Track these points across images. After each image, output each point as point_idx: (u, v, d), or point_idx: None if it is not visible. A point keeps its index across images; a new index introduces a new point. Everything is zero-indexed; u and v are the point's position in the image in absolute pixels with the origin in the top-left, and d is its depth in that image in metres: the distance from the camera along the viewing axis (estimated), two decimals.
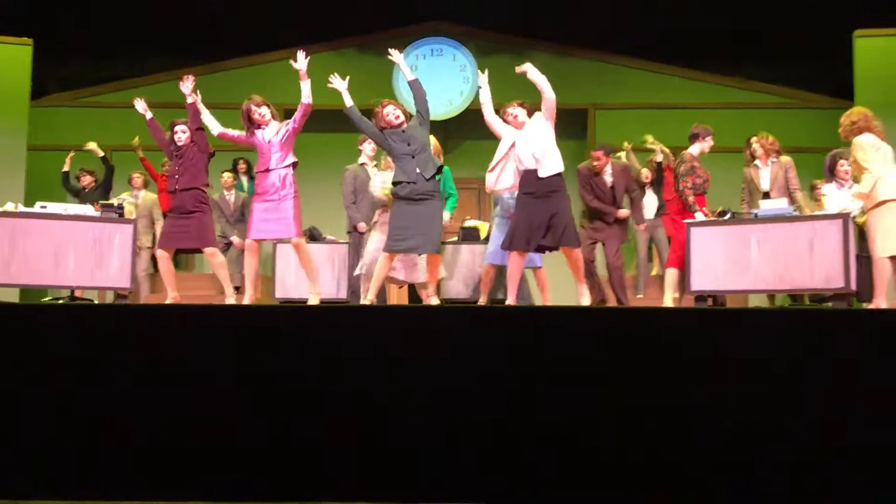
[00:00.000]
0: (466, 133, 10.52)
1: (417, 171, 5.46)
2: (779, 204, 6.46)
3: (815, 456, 3.50)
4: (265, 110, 5.69)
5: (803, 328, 3.64)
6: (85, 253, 6.29)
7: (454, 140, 10.88)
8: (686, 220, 6.52)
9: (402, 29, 10.79)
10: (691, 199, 6.57)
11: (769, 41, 10.49)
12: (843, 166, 6.72)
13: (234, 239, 8.38)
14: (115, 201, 6.82)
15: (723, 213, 6.49)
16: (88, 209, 6.59)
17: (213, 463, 3.70)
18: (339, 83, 5.61)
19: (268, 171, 5.61)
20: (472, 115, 9.90)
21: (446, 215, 6.43)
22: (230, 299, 5.92)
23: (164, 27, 10.46)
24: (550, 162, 5.61)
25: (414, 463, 3.66)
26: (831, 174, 6.84)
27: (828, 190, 6.82)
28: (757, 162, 7.04)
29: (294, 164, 5.68)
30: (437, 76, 10.71)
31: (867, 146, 5.67)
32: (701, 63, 10.65)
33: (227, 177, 8.76)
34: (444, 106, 10.69)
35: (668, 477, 3.57)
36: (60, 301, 7.06)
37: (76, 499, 3.61)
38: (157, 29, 10.49)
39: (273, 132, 5.67)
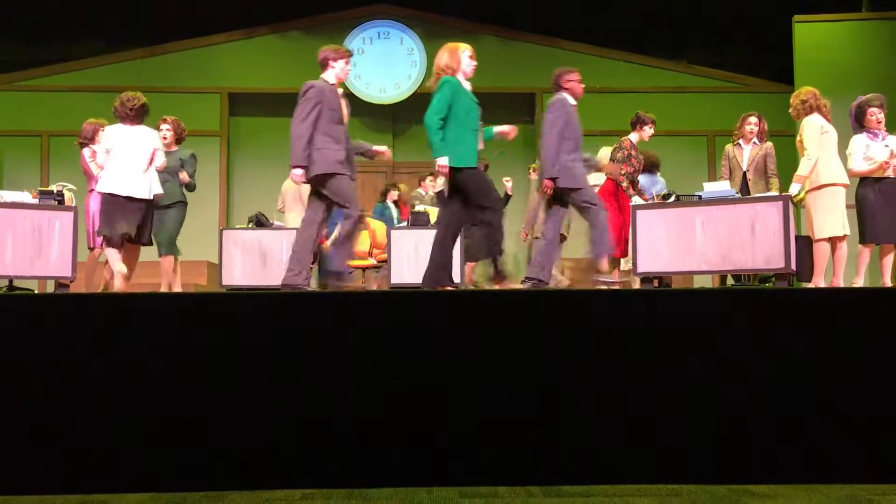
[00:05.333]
0: (414, 117, 10.51)
1: None
2: (721, 186, 6.58)
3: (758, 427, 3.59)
4: None
5: (740, 307, 3.71)
6: (23, 241, 6.11)
7: (402, 124, 10.83)
8: (632, 204, 6.62)
9: (347, 12, 10.68)
10: (625, 184, 6.72)
11: (711, 26, 10.67)
12: (875, 115, 6.00)
13: None
14: (54, 188, 6.62)
15: (667, 196, 6.59)
16: (26, 196, 6.40)
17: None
18: None
19: None
20: (420, 99, 9.86)
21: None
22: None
23: (100, 10, 10.18)
24: None
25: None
26: (859, 125, 6.10)
27: (858, 142, 6.03)
28: (740, 141, 6.81)
29: None
30: (385, 60, 10.64)
31: (815, 128, 5.80)
32: (645, 48, 10.79)
33: None
34: (392, 89, 10.63)
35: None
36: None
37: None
38: (93, 11, 10.21)
39: None
